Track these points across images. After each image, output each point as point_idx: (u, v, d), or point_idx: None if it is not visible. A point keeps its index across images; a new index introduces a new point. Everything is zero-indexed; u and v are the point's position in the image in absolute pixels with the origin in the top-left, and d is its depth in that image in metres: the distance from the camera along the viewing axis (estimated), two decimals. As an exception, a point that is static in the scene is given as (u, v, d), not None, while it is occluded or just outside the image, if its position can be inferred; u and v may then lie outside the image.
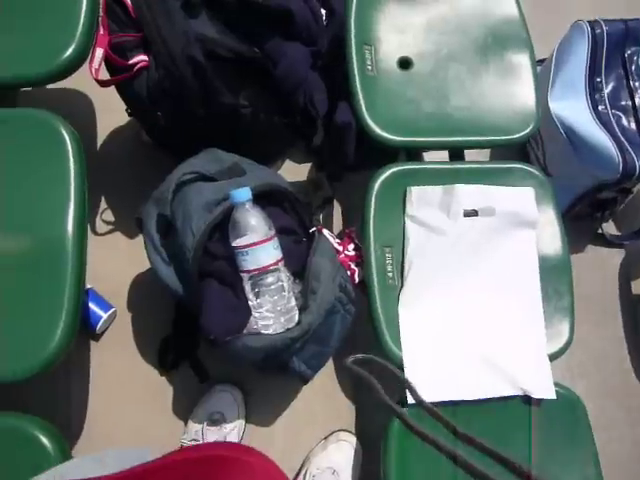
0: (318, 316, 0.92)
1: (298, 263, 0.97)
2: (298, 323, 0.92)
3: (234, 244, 0.90)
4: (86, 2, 1.00)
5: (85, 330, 1.22)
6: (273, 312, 0.91)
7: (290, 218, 1.00)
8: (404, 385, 0.56)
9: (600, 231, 1.50)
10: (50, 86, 1.28)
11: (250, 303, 0.93)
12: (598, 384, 1.38)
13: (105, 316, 1.22)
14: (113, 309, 1.25)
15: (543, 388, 0.97)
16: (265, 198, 0.96)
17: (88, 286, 1.24)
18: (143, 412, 1.22)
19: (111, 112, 1.34)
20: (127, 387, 1.23)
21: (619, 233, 1.53)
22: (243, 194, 0.89)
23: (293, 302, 0.94)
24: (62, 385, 1.21)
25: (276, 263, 0.91)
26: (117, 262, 1.30)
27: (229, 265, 0.92)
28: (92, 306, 1.21)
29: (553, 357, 1.00)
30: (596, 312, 1.44)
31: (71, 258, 0.89)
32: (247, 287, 0.92)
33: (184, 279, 0.96)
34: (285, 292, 0.92)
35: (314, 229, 1.01)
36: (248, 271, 0.90)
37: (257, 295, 0.92)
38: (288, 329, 0.90)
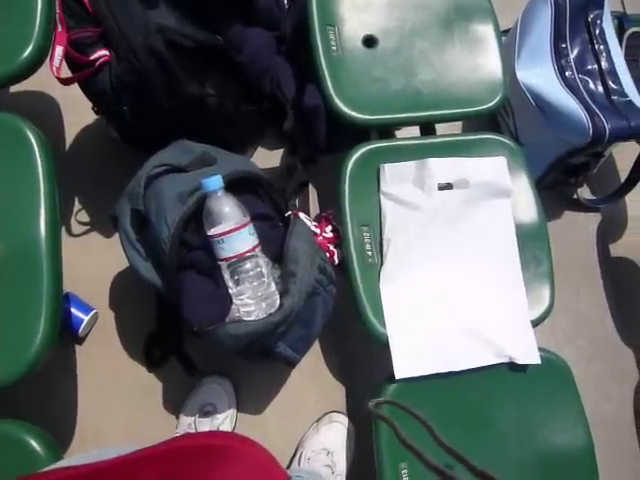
0: (299, 299, 0.92)
1: (276, 248, 0.97)
2: (280, 307, 0.91)
3: (210, 233, 0.89)
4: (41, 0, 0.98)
5: (68, 334, 1.21)
6: (254, 298, 0.91)
7: (265, 204, 0.99)
8: (424, 425, 0.57)
9: (575, 196, 1.51)
10: (13, 90, 1.26)
11: (230, 291, 0.93)
12: (583, 348, 1.40)
13: (86, 319, 1.20)
14: (94, 311, 1.23)
15: (527, 354, 0.98)
16: (238, 186, 0.95)
17: (67, 290, 1.23)
18: (134, 410, 1.21)
19: (77, 112, 1.33)
20: (116, 387, 1.22)
21: (594, 197, 1.54)
22: (214, 182, 0.89)
23: (273, 287, 0.94)
24: (51, 392, 1.20)
25: (253, 249, 0.91)
26: (95, 263, 1.29)
27: (207, 255, 0.92)
28: (73, 310, 1.20)
29: (536, 323, 1.01)
30: (576, 277, 1.46)
31: (46, 262, 0.87)
32: (226, 275, 0.92)
33: (163, 272, 0.95)
34: (264, 278, 0.92)
35: (290, 213, 1.01)
36: (226, 259, 0.90)
37: (237, 283, 0.91)
38: (270, 314, 0.90)
